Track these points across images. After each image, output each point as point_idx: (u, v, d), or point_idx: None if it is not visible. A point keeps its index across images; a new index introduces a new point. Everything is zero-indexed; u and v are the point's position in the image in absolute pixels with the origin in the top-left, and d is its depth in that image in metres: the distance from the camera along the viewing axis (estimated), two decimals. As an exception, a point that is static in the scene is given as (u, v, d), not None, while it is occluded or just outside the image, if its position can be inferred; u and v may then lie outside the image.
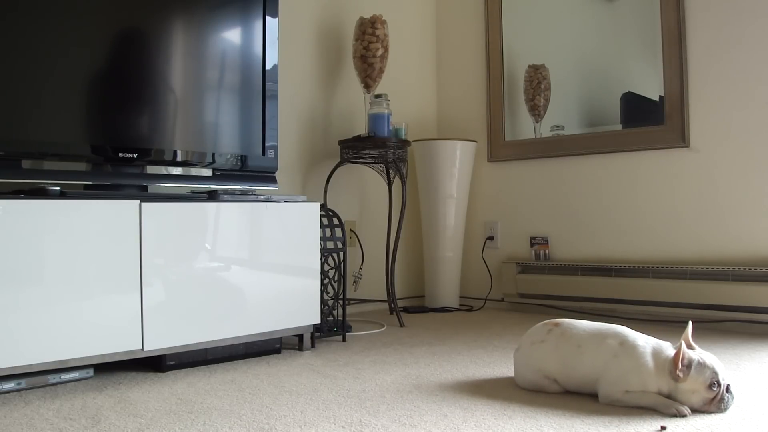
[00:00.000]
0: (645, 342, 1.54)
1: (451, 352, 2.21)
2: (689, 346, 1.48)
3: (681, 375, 1.44)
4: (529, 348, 1.70)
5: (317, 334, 2.35)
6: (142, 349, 1.86)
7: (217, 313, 2.03)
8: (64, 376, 1.78)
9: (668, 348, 1.51)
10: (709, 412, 1.44)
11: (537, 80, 3.22)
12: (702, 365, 1.45)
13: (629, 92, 2.95)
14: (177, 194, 2.20)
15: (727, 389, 1.45)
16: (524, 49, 3.31)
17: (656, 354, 1.50)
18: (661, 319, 2.62)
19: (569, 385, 1.63)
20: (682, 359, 1.45)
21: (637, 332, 1.59)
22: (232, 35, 2.33)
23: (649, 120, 2.84)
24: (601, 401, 1.54)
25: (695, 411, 1.44)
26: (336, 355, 2.19)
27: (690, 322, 1.55)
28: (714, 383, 1.44)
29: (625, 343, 1.55)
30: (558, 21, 3.19)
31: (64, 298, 1.72)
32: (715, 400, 1.44)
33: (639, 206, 2.86)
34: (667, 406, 1.43)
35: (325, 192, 2.89)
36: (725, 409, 1.45)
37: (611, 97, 3.00)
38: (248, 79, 2.32)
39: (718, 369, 1.45)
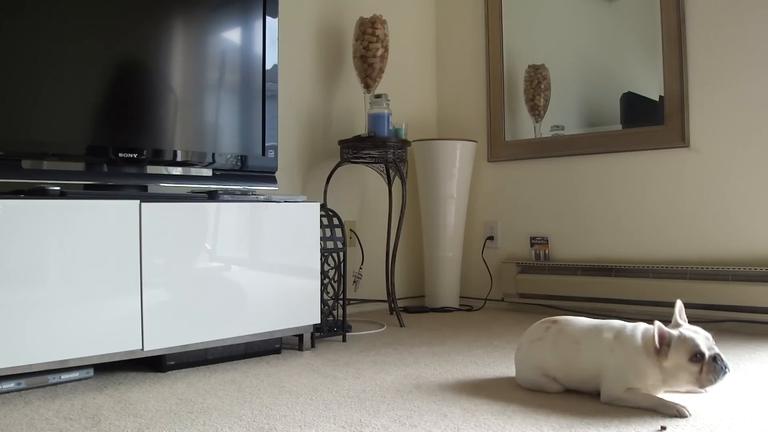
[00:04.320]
0: (635, 329, 1.55)
1: (451, 352, 2.21)
2: (676, 324, 1.49)
3: (662, 353, 1.45)
4: (528, 346, 1.70)
5: (317, 334, 2.34)
6: (142, 349, 1.86)
7: (217, 313, 2.03)
8: (64, 376, 1.78)
9: None
10: (704, 388, 1.45)
11: (537, 80, 3.22)
12: (681, 339, 1.45)
13: (629, 92, 2.95)
14: (177, 194, 2.20)
15: (715, 359, 1.44)
16: (524, 49, 3.31)
17: (647, 340, 1.50)
18: (661, 319, 2.61)
19: (569, 382, 1.63)
20: (662, 337, 1.45)
21: (630, 323, 1.60)
22: (232, 35, 2.33)
23: (649, 120, 2.84)
24: (602, 400, 1.54)
25: (694, 404, 1.44)
26: (336, 355, 2.19)
27: (678, 301, 1.54)
28: (696, 355, 1.43)
29: (619, 336, 1.56)
30: (558, 21, 3.19)
31: (64, 298, 1.72)
32: (703, 373, 1.43)
33: (639, 206, 2.86)
34: (667, 407, 1.43)
35: (325, 192, 2.89)
36: (716, 380, 1.43)
37: (611, 97, 3.00)
38: (248, 79, 2.32)
39: (698, 341, 1.44)
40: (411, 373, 1.91)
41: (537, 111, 3.23)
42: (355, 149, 2.85)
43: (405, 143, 2.90)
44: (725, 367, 1.44)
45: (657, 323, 1.47)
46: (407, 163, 2.94)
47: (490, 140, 3.38)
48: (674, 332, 1.47)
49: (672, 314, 1.57)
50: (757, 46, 2.55)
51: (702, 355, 1.43)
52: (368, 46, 2.89)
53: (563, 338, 1.64)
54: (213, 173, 2.23)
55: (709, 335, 1.49)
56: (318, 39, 3.07)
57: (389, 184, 3.09)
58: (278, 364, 2.05)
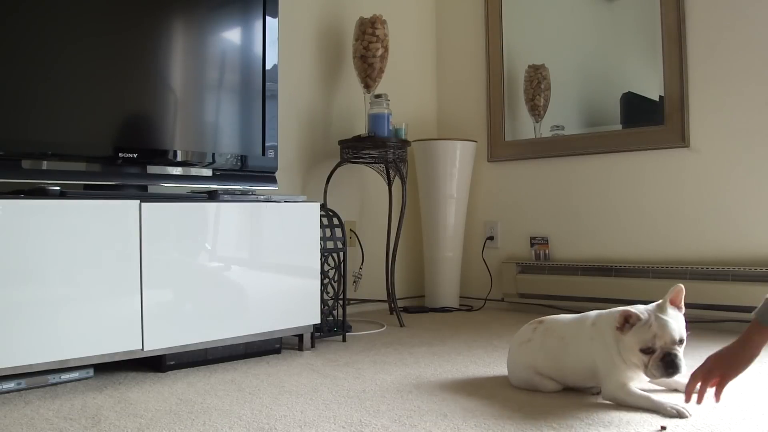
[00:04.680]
0: (610, 312, 1.57)
1: (451, 352, 2.21)
2: (660, 308, 1.47)
3: (625, 329, 1.47)
4: (518, 348, 1.73)
5: (317, 334, 2.34)
6: (142, 349, 1.86)
7: (217, 313, 2.03)
8: (64, 376, 1.78)
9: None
10: (649, 379, 1.49)
11: (537, 80, 3.22)
12: (644, 327, 1.45)
13: (629, 92, 2.95)
14: (177, 194, 2.20)
15: (664, 358, 1.43)
16: (524, 49, 3.31)
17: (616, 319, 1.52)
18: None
19: (564, 380, 1.65)
20: (628, 317, 1.47)
21: (607, 310, 1.61)
22: (232, 35, 2.33)
23: (649, 120, 2.84)
24: (603, 398, 1.55)
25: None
26: (336, 355, 2.19)
27: (679, 285, 1.51)
28: (645, 349, 1.44)
29: (596, 322, 1.59)
30: (558, 21, 3.19)
31: (64, 298, 1.72)
32: (648, 365, 1.45)
33: (639, 206, 2.86)
34: (667, 408, 1.43)
35: (325, 192, 2.89)
36: (657, 377, 1.46)
37: (611, 97, 3.00)
38: (248, 79, 2.32)
39: (659, 336, 1.44)
40: (411, 373, 1.91)
41: (537, 111, 3.23)
42: (355, 149, 2.85)
43: (405, 143, 2.90)
44: (672, 369, 1.43)
45: (633, 307, 1.49)
46: (407, 163, 2.94)
47: (490, 140, 3.38)
48: (644, 316, 1.47)
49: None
50: (757, 46, 2.55)
51: (651, 351, 1.44)
52: (368, 46, 2.89)
53: (549, 337, 1.67)
54: (213, 173, 2.23)
55: (683, 333, 1.46)
56: (318, 39, 3.07)
57: (389, 184, 3.09)
58: (278, 364, 2.05)
